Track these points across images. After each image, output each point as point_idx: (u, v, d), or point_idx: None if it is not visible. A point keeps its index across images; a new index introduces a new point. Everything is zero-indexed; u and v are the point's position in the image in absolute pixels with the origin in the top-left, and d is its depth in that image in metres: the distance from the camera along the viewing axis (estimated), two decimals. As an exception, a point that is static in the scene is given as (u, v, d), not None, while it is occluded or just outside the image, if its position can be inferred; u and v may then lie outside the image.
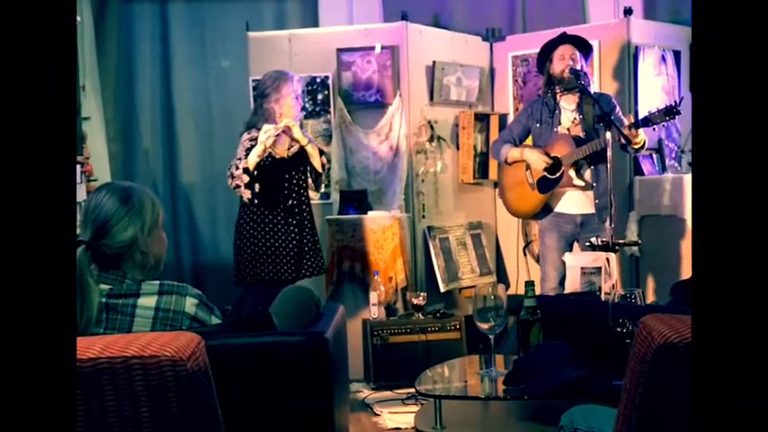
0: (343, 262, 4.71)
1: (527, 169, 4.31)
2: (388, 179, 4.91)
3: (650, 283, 4.70)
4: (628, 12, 4.82)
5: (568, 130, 4.21)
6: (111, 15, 5.59)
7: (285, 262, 3.95)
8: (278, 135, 3.79)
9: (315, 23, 5.56)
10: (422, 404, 3.57)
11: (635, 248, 4.63)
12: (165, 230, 2.20)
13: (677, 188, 4.49)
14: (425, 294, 4.60)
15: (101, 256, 2.03)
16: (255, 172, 3.79)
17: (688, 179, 4.47)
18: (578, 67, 4.13)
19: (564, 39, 4.27)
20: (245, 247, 3.94)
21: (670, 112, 3.82)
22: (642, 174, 4.78)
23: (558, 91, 4.22)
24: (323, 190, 4.19)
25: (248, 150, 3.82)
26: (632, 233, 4.66)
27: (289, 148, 3.93)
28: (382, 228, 4.67)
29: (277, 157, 3.90)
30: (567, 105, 4.25)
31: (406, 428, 3.71)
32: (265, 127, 3.75)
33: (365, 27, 5.04)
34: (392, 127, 4.89)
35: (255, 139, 3.83)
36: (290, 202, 3.98)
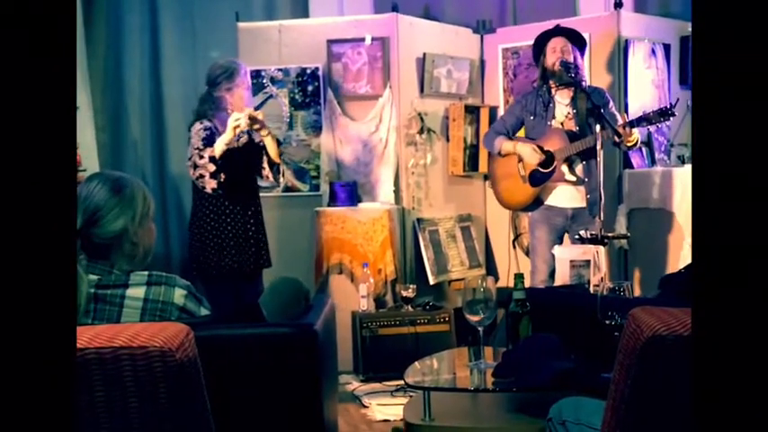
0: (332, 254, 4.71)
1: (519, 161, 4.31)
2: (377, 171, 4.91)
3: (639, 276, 4.71)
4: (618, 5, 4.82)
5: (562, 124, 4.22)
6: (99, 5, 5.55)
7: (245, 251, 3.93)
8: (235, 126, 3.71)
9: (305, 14, 5.53)
10: (411, 396, 3.57)
11: (624, 241, 4.65)
12: (154, 221, 2.20)
13: (666, 181, 4.50)
14: (415, 287, 4.60)
15: (90, 245, 2.02)
16: (221, 161, 3.71)
17: (677, 172, 4.48)
18: (571, 60, 4.12)
19: (556, 31, 4.27)
20: (208, 240, 3.88)
21: (665, 113, 3.84)
22: (631, 167, 4.79)
23: (552, 85, 4.22)
24: (282, 181, 4.16)
25: (205, 140, 3.76)
26: (621, 226, 4.67)
27: (238, 140, 3.89)
28: (372, 220, 4.67)
29: (233, 148, 3.84)
30: (562, 99, 4.25)
31: (395, 420, 3.72)
32: (235, 115, 3.69)
33: (356, 18, 5.03)
34: (382, 119, 4.88)
35: (209, 128, 3.80)
36: (246, 192, 3.97)
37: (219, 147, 3.70)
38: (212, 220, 3.89)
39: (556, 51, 4.18)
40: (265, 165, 3.99)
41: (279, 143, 3.97)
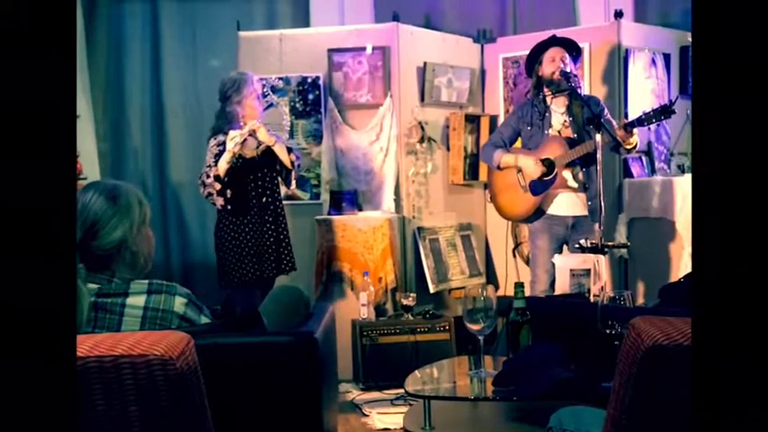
0: (332, 262, 4.71)
1: (519, 172, 4.31)
2: (378, 180, 4.91)
3: (639, 286, 4.71)
4: (618, 15, 4.83)
5: (559, 132, 4.23)
6: (101, 13, 5.57)
7: (266, 259, 4.04)
8: (245, 139, 3.84)
9: (306, 23, 5.55)
10: (411, 405, 3.57)
11: (624, 251, 4.65)
12: (153, 229, 2.19)
13: (666, 190, 4.51)
14: (415, 295, 4.60)
15: (90, 257, 2.02)
16: (226, 178, 3.84)
17: (677, 182, 4.49)
18: (568, 70, 4.14)
19: (554, 41, 4.28)
20: (228, 250, 4.01)
21: (665, 111, 3.85)
22: (631, 176, 4.80)
23: (547, 93, 4.23)
24: (293, 186, 4.25)
25: (217, 156, 3.88)
26: (621, 235, 4.67)
27: (257, 147, 3.99)
28: (372, 228, 4.67)
29: (247, 157, 3.94)
30: (557, 108, 4.26)
31: (395, 429, 3.71)
32: (231, 133, 3.81)
33: (356, 27, 5.04)
34: (383, 128, 4.88)
35: (222, 143, 3.89)
36: (264, 199, 4.05)
37: (222, 166, 3.83)
38: (231, 231, 4.01)
39: (555, 61, 4.19)
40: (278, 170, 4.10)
41: (289, 150, 4.05)
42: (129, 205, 2.07)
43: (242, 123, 3.94)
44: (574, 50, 4.28)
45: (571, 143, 4.13)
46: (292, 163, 4.03)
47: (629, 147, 4.05)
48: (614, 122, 4.15)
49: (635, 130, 3.96)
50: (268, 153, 4.00)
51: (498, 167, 4.39)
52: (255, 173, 4.01)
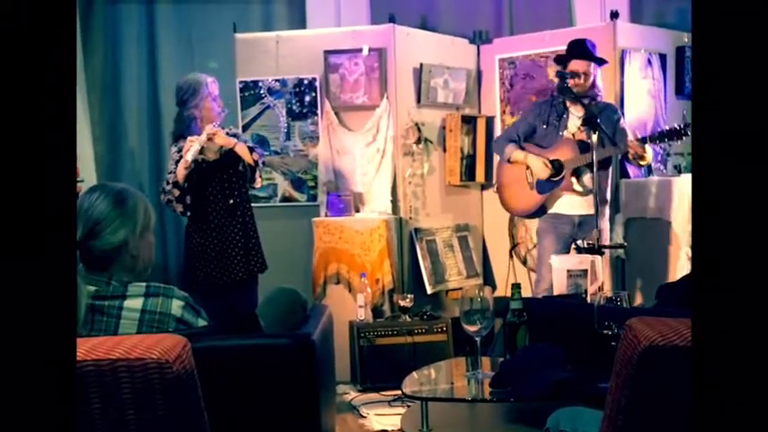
0: (329, 264, 4.71)
1: (528, 168, 4.34)
2: (375, 181, 4.91)
3: (636, 286, 4.72)
4: (614, 15, 4.84)
5: (573, 135, 4.24)
6: (97, 16, 5.56)
7: (237, 261, 4.02)
8: (202, 147, 3.81)
9: (302, 25, 5.55)
10: (408, 406, 3.57)
11: (621, 251, 4.65)
12: (153, 234, 2.19)
13: (663, 191, 4.51)
14: (412, 296, 4.60)
15: (89, 256, 2.02)
16: (186, 184, 3.83)
17: (674, 182, 4.49)
18: (592, 79, 4.17)
19: (585, 55, 4.23)
20: (194, 254, 3.99)
21: (677, 134, 3.93)
22: (628, 176, 4.80)
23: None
24: (258, 185, 4.25)
25: (177, 163, 3.87)
26: (618, 236, 4.68)
27: (218, 149, 3.94)
28: (369, 229, 4.67)
29: (210, 159, 3.92)
30: (576, 111, 4.26)
31: (393, 430, 3.71)
32: (189, 140, 3.79)
33: (353, 29, 5.04)
34: (379, 129, 4.89)
35: (182, 149, 3.87)
36: (231, 201, 4.02)
37: (180, 173, 3.82)
38: (197, 235, 4.00)
39: (580, 77, 4.16)
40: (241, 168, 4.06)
41: (252, 149, 4.01)
42: (135, 209, 2.08)
43: (200, 126, 3.93)
44: (601, 64, 4.29)
45: (584, 147, 4.14)
46: (255, 162, 4.00)
47: (642, 163, 4.12)
48: (629, 131, 4.19)
49: (646, 146, 4.02)
50: (231, 153, 3.98)
51: (508, 161, 4.41)
52: (221, 174, 3.99)
